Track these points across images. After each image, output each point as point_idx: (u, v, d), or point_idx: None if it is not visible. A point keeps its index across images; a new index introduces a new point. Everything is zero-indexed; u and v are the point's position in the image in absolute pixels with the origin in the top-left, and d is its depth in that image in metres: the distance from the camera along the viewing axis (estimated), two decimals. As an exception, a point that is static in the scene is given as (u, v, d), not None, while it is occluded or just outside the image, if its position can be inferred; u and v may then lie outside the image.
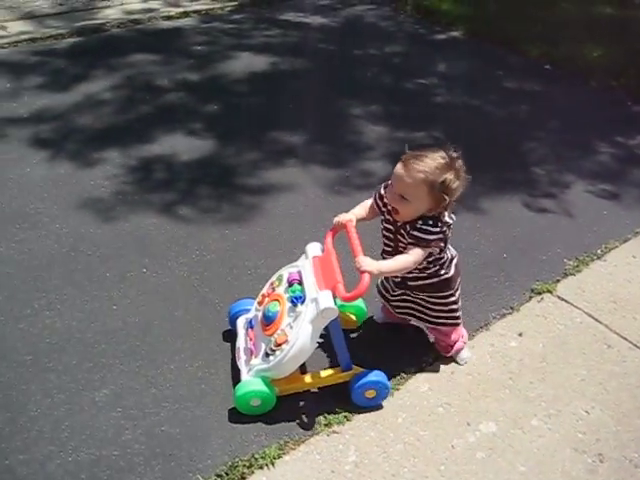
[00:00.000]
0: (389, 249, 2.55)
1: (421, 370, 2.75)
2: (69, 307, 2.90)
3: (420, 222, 2.37)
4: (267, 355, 2.42)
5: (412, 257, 2.37)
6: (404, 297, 2.68)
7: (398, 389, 2.65)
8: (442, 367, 2.77)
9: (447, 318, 2.67)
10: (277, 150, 4.14)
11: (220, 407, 2.53)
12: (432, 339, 2.82)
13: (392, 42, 6.00)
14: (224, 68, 5.21)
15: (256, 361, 2.45)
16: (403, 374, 2.71)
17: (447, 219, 2.42)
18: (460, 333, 2.77)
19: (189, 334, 2.81)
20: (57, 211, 3.48)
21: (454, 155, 2.32)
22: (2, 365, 2.62)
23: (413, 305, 2.69)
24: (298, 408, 2.55)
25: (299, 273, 2.49)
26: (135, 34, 5.82)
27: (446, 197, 2.30)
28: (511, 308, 3.06)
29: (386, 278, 2.69)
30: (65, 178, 3.74)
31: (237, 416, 2.49)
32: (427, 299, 2.63)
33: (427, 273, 2.53)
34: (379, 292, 2.78)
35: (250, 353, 2.51)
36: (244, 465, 2.33)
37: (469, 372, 2.74)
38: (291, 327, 2.37)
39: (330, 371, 2.57)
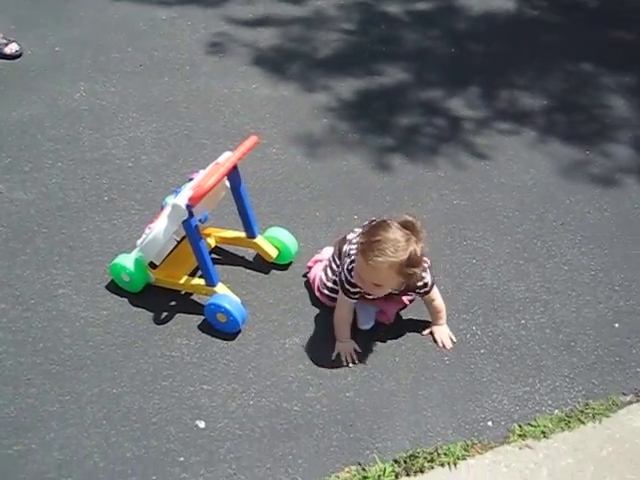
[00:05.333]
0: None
1: (638, 401, 2.42)
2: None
3: (417, 283, 2.36)
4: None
5: (438, 295, 2.50)
6: None
7: (608, 416, 2.35)
8: (665, 403, 2.41)
9: None
10: (512, 112, 3.75)
11: (411, 386, 2.37)
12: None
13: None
14: (464, 6, 4.79)
15: (139, 241, 2.52)
16: (616, 400, 2.40)
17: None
18: None
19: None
20: (275, 134, 3.39)
21: (408, 220, 2.22)
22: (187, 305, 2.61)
23: None
24: (493, 408, 2.33)
25: (198, 172, 2.45)
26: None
27: (416, 271, 2.23)
28: None
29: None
30: (288, 101, 3.63)
31: (426, 401, 2.33)
32: None
33: None
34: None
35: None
36: (425, 458, 2.16)
37: (700, 417, 2.36)
38: None
39: (200, 282, 2.52)
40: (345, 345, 2.44)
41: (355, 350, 2.44)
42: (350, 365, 2.41)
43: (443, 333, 2.52)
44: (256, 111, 3.53)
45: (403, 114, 3.63)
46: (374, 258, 2.17)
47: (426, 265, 2.35)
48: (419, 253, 2.20)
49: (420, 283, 2.36)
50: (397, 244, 2.16)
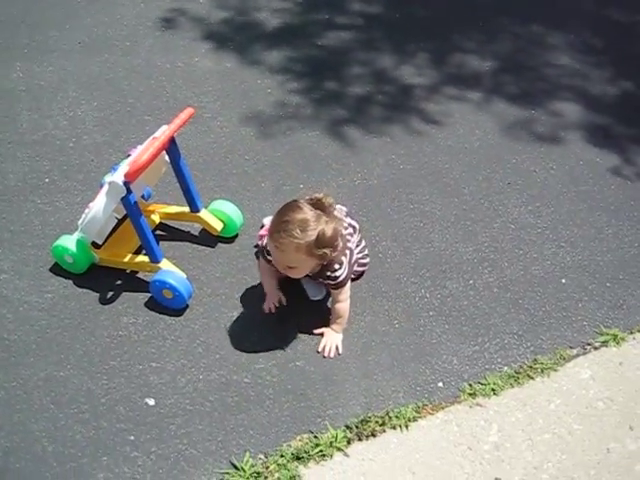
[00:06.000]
0: None
1: (585, 353, 2.45)
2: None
3: (327, 272, 2.27)
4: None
5: (345, 298, 2.36)
6: None
7: (556, 370, 2.38)
8: (610, 354, 2.46)
9: None
10: (460, 75, 3.73)
11: (361, 351, 2.37)
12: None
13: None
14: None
15: (80, 221, 2.48)
16: (563, 354, 2.43)
17: (345, 232, 2.33)
18: None
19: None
20: (219, 107, 3.34)
21: (319, 199, 2.15)
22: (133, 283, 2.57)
23: None
24: (443, 369, 2.35)
25: (136, 148, 2.40)
26: None
27: (327, 252, 2.16)
28: None
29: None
30: (231, 74, 3.57)
31: (376, 365, 2.33)
32: None
33: None
34: None
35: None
36: (376, 422, 2.17)
37: (642, 367, 2.41)
38: None
39: (144, 259, 2.48)
40: (270, 296, 2.43)
41: (280, 301, 2.43)
42: (270, 311, 2.42)
43: (332, 340, 2.37)
44: (199, 85, 3.47)
45: (350, 83, 3.59)
46: (280, 240, 2.12)
47: (344, 259, 2.28)
48: (329, 233, 2.13)
49: (331, 274, 2.26)
50: (304, 224, 2.10)
